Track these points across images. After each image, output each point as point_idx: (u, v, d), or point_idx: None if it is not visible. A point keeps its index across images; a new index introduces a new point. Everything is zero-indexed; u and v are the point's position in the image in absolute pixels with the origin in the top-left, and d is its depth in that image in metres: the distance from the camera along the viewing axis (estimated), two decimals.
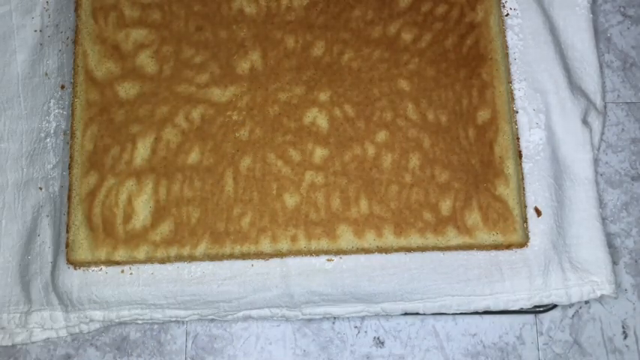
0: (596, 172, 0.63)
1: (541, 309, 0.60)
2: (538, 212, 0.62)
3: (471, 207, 0.59)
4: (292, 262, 0.60)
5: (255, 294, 0.60)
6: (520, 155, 0.62)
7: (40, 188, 0.62)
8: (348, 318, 0.62)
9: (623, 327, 0.62)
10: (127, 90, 0.62)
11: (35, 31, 0.65)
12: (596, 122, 0.64)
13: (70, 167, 0.61)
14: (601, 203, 0.64)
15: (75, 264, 0.59)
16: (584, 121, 0.63)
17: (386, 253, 0.60)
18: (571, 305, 0.62)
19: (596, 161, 0.64)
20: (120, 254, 0.59)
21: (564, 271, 0.60)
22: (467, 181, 0.60)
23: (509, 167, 0.60)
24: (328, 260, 0.60)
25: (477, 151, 0.61)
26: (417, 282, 0.60)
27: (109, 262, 0.59)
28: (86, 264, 0.59)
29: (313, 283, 0.59)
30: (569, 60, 0.65)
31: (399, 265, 0.60)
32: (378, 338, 0.62)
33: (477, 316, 0.62)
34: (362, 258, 0.60)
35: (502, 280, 0.59)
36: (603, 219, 0.63)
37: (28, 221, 0.61)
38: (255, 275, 0.60)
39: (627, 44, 0.68)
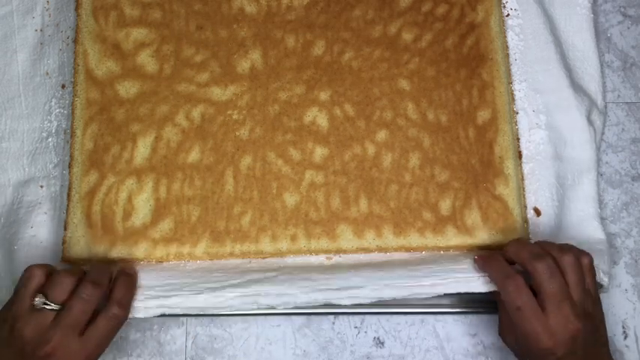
0: (596, 171, 0.63)
1: None
2: (537, 212, 0.62)
3: (471, 206, 0.59)
4: (291, 260, 0.60)
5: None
6: (520, 155, 0.62)
7: (41, 186, 0.62)
8: (348, 318, 0.62)
9: (623, 327, 0.62)
10: (127, 89, 0.62)
11: (36, 30, 0.65)
12: (597, 122, 0.64)
13: (70, 166, 0.61)
14: (601, 203, 0.64)
15: (70, 261, 0.59)
16: (589, 120, 0.63)
17: (386, 252, 0.60)
18: None
19: (596, 161, 0.64)
20: (118, 251, 0.59)
21: None
22: (466, 181, 0.60)
23: (509, 167, 0.60)
24: (327, 258, 0.60)
25: (477, 151, 0.61)
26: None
27: (106, 260, 0.59)
28: (81, 261, 0.59)
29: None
30: (570, 60, 0.65)
31: (399, 263, 0.59)
32: (378, 338, 0.62)
33: (477, 316, 0.62)
34: (361, 257, 0.60)
35: None
36: (603, 219, 0.63)
37: (22, 214, 0.61)
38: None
39: (627, 44, 0.68)
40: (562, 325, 0.51)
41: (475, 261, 0.57)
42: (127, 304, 0.55)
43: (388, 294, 0.55)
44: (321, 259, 0.60)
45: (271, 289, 0.56)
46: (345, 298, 0.56)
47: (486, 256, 0.57)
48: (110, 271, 0.56)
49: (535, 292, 0.53)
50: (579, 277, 0.53)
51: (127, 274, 0.57)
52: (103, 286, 0.54)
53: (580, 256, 0.54)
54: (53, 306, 0.52)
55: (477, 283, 0.56)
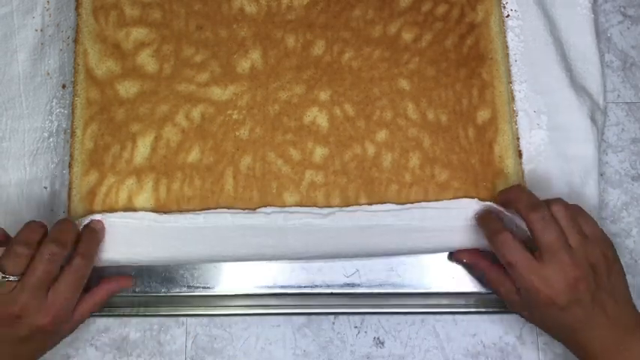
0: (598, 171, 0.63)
1: None
2: None
3: None
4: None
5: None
6: (520, 155, 0.62)
7: (45, 188, 0.62)
8: (348, 318, 0.62)
9: None
10: (127, 89, 0.62)
11: (36, 30, 0.65)
12: (599, 122, 0.64)
13: (70, 166, 0.61)
14: (601, 203, 0.64)
15: None
16: (592, 120, 0.63)
17: None
18: None
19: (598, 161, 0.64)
20: None
21: None
22: (466, 180, 0.60)
23: (509, 167, 0.60)
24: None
25: (477, 151, 0.61)
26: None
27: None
28: None
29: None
30: (571, 60, 0.65)
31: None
32: (378, 338, 0.62)
33: (477, 316, 0.62)
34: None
35: None
36: (603, 219, 0.63)
37: (24, 214, 0.61)
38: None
39: (627, 44, 0.68)
40: (559, 274, 0.51)
41: (475, 217, 0.58)
42: (90, 255, 0.55)
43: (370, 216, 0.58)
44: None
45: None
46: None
47: (482, 211, 0.58)
48: (75, 227, 0.56)
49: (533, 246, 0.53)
50: (572, 222, 0.53)
51: (93, 229, 0.57)
52: (67, 245, 0.54)
53: (568, 204, 0.54)
54: (12, 278, 0.51)
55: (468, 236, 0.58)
